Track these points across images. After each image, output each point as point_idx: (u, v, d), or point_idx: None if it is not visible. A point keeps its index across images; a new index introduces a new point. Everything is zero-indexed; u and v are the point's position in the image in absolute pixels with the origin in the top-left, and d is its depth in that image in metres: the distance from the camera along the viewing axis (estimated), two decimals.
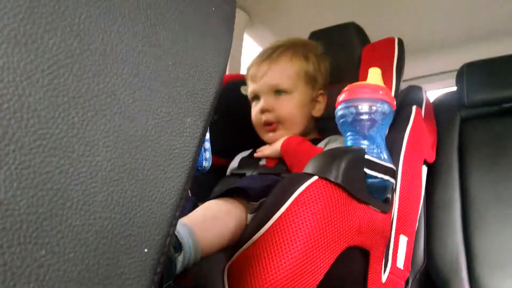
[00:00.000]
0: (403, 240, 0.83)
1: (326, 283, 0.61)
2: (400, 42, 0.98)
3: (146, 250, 0.28)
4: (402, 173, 0.84)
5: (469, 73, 1.19)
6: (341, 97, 0.75)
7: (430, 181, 1.09)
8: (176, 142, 0.32)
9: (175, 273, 0.52)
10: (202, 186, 0.94)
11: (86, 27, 0.27)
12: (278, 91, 0.95)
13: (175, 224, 0.32)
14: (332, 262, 0.61)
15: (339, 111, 0.74)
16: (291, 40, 1.03)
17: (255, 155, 0.98)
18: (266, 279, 0.55)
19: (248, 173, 0.93)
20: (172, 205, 0.31)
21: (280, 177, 0.84)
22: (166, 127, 0.32)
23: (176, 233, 0.54)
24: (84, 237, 0.25)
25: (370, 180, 0.69)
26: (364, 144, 0.71)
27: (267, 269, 0.56)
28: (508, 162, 1.07)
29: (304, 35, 1.18)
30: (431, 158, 1.06)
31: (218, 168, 1.05)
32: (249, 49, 1.60)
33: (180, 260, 0.53)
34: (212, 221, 0.63)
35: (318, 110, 1.00)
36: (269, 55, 0.97)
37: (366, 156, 0.68)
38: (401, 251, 0.82)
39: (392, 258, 0.79)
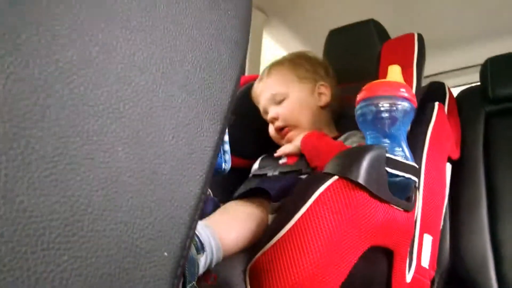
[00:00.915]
0: (428, 239, 0.81)
1: (349, 284, 0.61)
2: (420, 38, 0.96)
3: (166, 254, 0.29)
4: (425, 171, 0.82)
5: (493, 67, 1.16)
6: (360, 95, 0.74)
7: (454, 179, 1.06)
8: (194, 146, 0.33)
9: (198, 273, 0.53)
10: (224, 187, 0.94)
11: (105, 36, 0.27)
12: (277, 100, 1.00)
13: (195, 227, 0.32)
14: (354, 262, 0.61)
15: (359, 109, 0.73)
16: (282, 57, 1.11)
17: (276, 154, 0.99)
18: (288, 280, 0.55)
19: (269, 173, 0.93)
20: (191, 208, 0.31)
21: (301, 174, 0.85)
22: (184, 131, 0.32)
23: (198, 234, 0.56)
24: (105, 242, 0.26)
25: (392, 179, 0.68)
26: (385, 142, 0.70)
27: (289, 270, 0.56)
28: None
29: (323, 33, 1.17)
30: (456, 155, 1.03)
31: (241, 169, 1.05)
32: (269, 49, 1.61)
33: (202, 260, 0.55)
34: (233, 222, 0.64)
35: (324, 100, 1.02)
36: (262, 75, 1.07)
37: (387, 155, 0.67)
38: (425, 250, 0.80)
39: (417, 257, 0.78)
